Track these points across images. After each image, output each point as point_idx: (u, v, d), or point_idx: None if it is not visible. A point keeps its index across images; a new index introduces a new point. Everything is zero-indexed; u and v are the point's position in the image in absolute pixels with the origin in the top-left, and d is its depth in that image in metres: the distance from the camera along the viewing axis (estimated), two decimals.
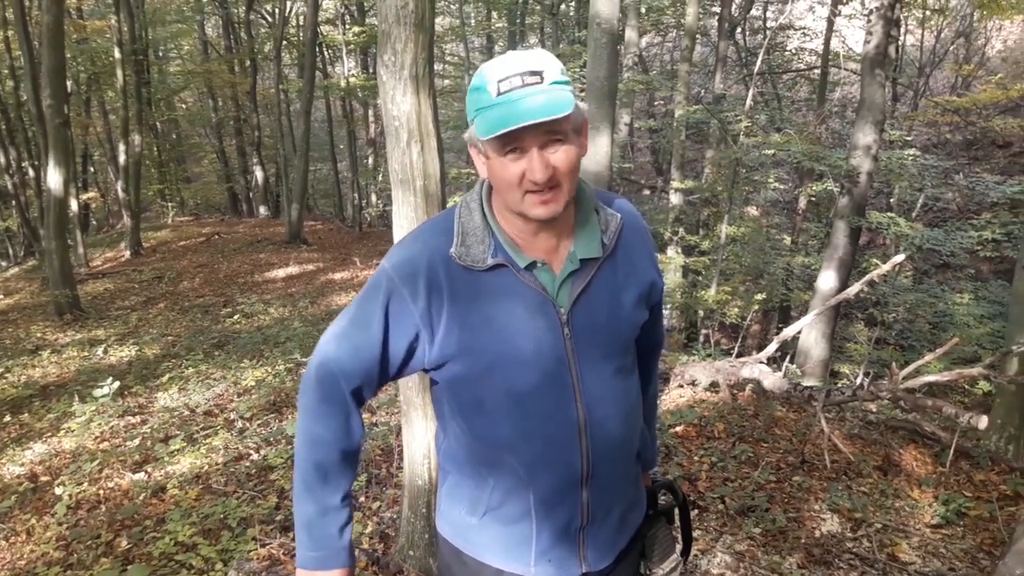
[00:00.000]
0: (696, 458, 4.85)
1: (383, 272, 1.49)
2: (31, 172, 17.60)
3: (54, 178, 10.76)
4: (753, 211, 17.41)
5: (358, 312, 1.51)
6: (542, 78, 1.33)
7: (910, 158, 11.63)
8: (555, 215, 1.40)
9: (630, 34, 13.46)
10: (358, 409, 1.55)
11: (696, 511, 4.12)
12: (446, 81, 23.19)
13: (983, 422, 4.53)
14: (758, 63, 13.67)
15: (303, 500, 1.54)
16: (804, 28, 18.77)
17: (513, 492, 1.53)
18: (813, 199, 14.11)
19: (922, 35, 19.97)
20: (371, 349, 1.49)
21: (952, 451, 4.85)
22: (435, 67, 3.06)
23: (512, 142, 1.34)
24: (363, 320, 1.49)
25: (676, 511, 1.87)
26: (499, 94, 1.33)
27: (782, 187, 15.15)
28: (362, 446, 1.56)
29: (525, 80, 1.32)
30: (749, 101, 13.09)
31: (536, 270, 1.46)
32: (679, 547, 1.86)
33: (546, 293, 1.46)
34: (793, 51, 19.97)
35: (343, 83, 19.83)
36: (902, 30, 14.61)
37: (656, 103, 22.97)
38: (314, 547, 1.54)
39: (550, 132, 1.34)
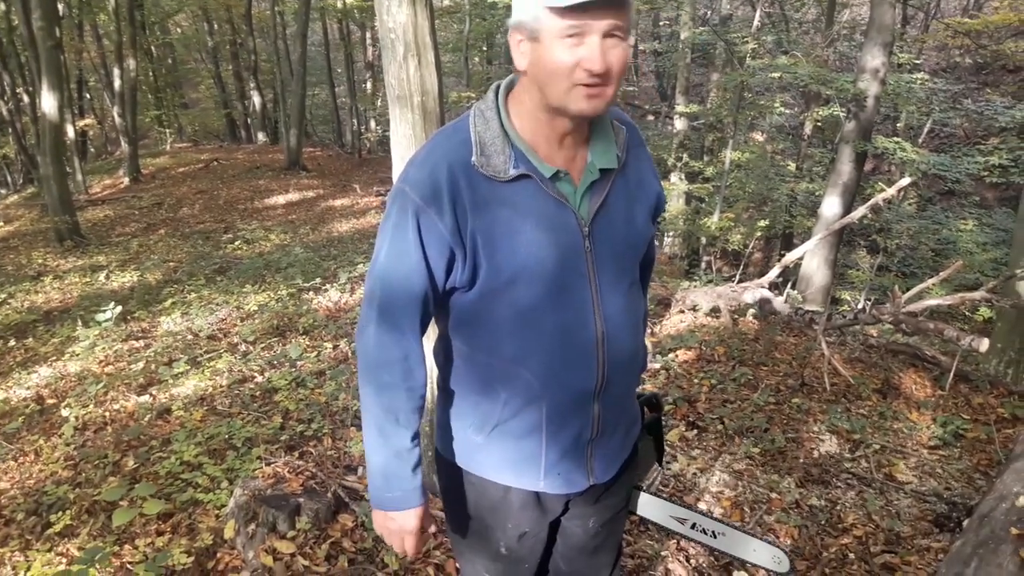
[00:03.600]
0: (696, 381, 4.88)
1: (405, 196, 1.41)
2: (26, 98, 17.35)
3: (48, 102, 10.60)
4: (758, 136, 17.20)
5: (391, 243, 1.44)
6: None
7: (918, 82, 11.43)
8: (597, 112, 1.33)
9: None
10: (420, 343, 1.51)
11: (695, 431, 4.17)
12: (445, 1, 22.63)
13: (984, 345, 4.53)
14: None
15: (376, 445, 1.53)
16: None
17: (526, 405, 1.51)
18: (819, 124, 13.91)
19: None
20: (417, 275, 1.43)
21: (951, 375, 4.88)
22: None
23: (579, 24, 1.25)
24: (399, 249, 1.42)
25: (656, 423, 1.89)
26: None
27: (788, 112, 14.95)
28: (426, 381, 1.53)
29: None
30: (756, 22, 12.82)
31: (559, 181, 1.42)
32: (656, 456, 1.89)
33: (568, 204, 1.42)
34: None
35: (340, 3, 19.38)
36: None
37: (661, 23, 22.48)
38: (389, 488, 1.55)
39: (616, 22, 1.27)
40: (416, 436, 1.54)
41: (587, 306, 1.46)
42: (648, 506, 1.83)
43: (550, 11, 1.25)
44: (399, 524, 1.58)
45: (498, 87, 1.47)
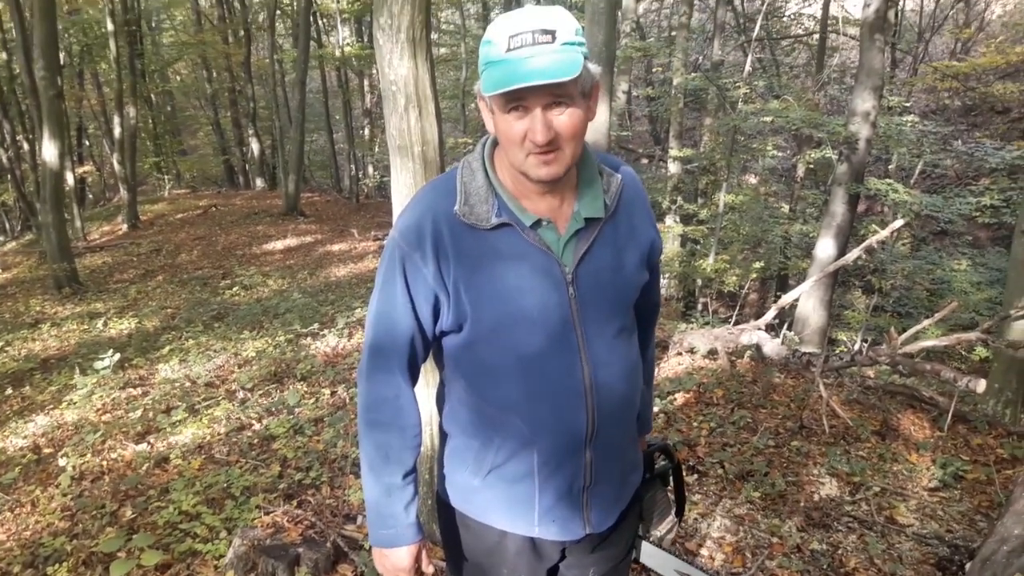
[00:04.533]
0: (695, 424, 4.88)
1: (394, 241, 1.50)
2: (26, 146, 17.48)
3: (49, 151, 10.69)
4: (751, 179, 17.35)
5: (382, 289, 1.52)
6: (554, 37, 1.30)
7: (909, 124, 11.58)
8: (555, 177, 1.39)
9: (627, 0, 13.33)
10: (410, 383, 1.57)
11: (696, 476, 4.16)
12: (442, 49, 22.99)
13: (981, 386, 4.54)
14: (756, 29, 13.57)
15: (369, 481, 1.59)
16: None
17: (517, 452, 1.54)
18: (811, 166, 14.06)
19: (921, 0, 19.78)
20: (404, 320, 1.50)
21: (950, 415, 4.88)
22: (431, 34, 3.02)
23: (516, 101, 1.32)
24: (388, 294, 1.51)
25: (671, 473, 1.89)
26: (508, 50, 1.30)
27: (780, 155, 15.12)
28: (419, 422, 1.59)
29: (537, 38, 1.29)
30: (747, 67, 13.01)
31: (541, 229, 1.46)
32: (674, 508, 1.88)
33: (551, 252, 1.45)
34: (791, 16, 19.79)
35: (338, 52, 19.65)
36: None
37: (654, 70, 22.79)
38: (383, 525, 1.59)
39: (555, 94, 1.32)
40: (409, 475, 1.58)
41: (573, 353, 1.48)
42: (652, 557, 1.82)
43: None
44: (392, 562, 1.62)
45: (485, 141, 1.53)
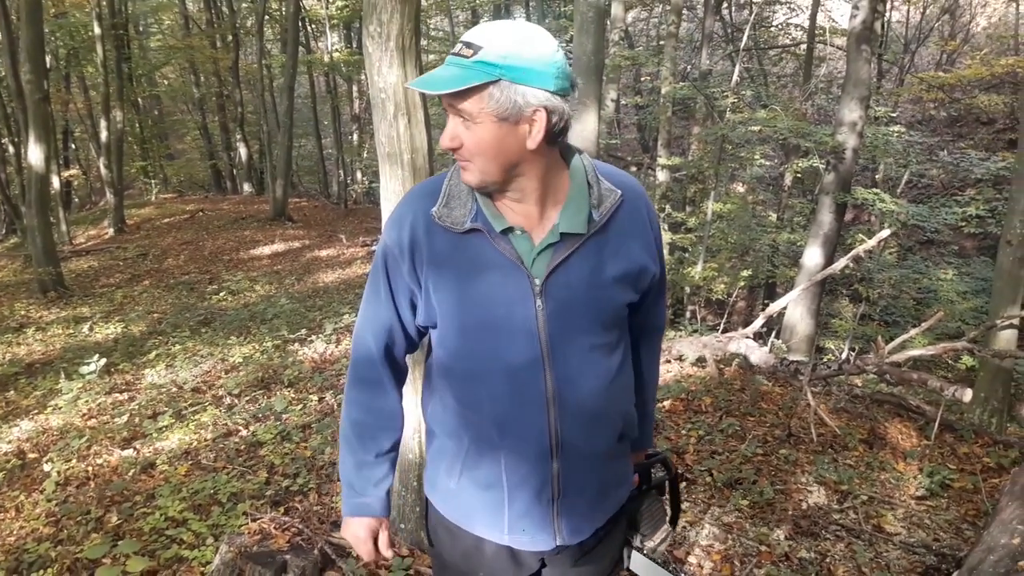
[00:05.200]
0: (684, 432, 4.88)
1: (381, 239, 1.59)
2: (11, 148, 17.36)
3: (35, 154, 10.62)
4: (739, 188, 17.43)
5: (370, 282, 1.61)
6: (475, 52, 1.33)
7: (895, 134, 11.68)
8: (469, 184, 1.45)
9: (616, 9, 13.38)
10: (392, 373, 1.66)
11: (684, 484, 4.16)
12: (431, 56, 22.95)
13: (967, 395, 4.58)
14: (744, 39, 13.66)
15: (343, 454, 1.69)
16: (790, 3, 18.73)
17: (486, 456, 1.55)
18: (799, 175, 14.16)
19: (908, 11, 19.98)
20: (385, 312, 1.59)
21: (937, 424, 4.91)
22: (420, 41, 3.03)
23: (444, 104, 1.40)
24: (374, 288, 1.60)
25: (667, 483, 1.89)
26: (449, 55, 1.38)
27: (768, 164, 15.19)
28: (398, 411, 1.69)
29: (460, 49, 1.35)
30: (735, 77, 13.09)
31: (514, 237, 1.46)
32: (668, 517, 1.87)
33: (520, 262, 1.45)
34: (779, 26, 19.94)
35: (327, 58, 19.64)
36: (888, 5, 14.59)
37: (643, 79, 22.90)
38: (348, 494, 1.68)
39: (453, 107, 1.38)
40: (381, 455, 1.67)
41: (536, 364, 1.48)
42: (643, 568, 1.81)
43: None
44: (352, 530, 1.69)
45: None
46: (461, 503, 1.62)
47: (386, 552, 1.70)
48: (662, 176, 13.94)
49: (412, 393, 2.99)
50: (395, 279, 1.55)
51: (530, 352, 1.47)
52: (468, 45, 1.33)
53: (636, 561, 1.81)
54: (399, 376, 1.68)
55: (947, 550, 3.52)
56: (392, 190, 2.85)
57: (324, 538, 3.43)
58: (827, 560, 3.48)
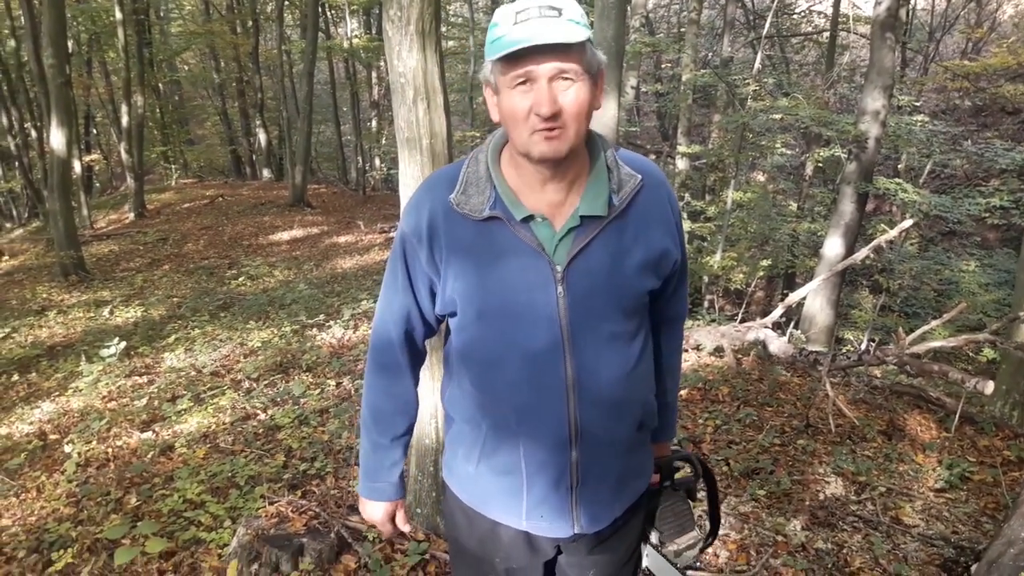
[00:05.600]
0: (700, 421, 4.87)
1: (399, 226, 1.58)
2: (34, 133, 17.49)
3: (57, 139, 10.71)
4: (760, 177, 17.30)
5: (389, 269, 1.62)
6: (560, 13, 1.31)
7: (919, 124, 11.53)
8: (558, 155, 1.36)
9: None
10: (410, 358, 1.68)
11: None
12: (450, 42, 22.93)
13: (989, 387, 4.52)
14: (766, 26, 13.51)
15: (362, 435, 1.74)
16: None
17: (505, 442, 1.55)
18: (820, 165, 14.00)
19: None
20: (403, 299, 1.60)
21: (957, 416, 4.86)
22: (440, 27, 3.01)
23: (523, 71, 1.32)
24: (392, 275, 1.61)
25: (699, 486, 1.84)
26: (515, 23, 1.31)
27: (789, 152, 15.05)
28: (414, 396, 1.72)
29: (543, 12, 1.30)
30: (757, 65, 12.96)
31: (534, 224, 1.45)
32: (698, 526, 1.81)
33: (542, 249, 1.44)
34: (802, 14, 19.72)
35: (346, 44, 19.64)
36: None
37: (663, 66, 22.75)
38: (365, 477, 1.74)
39: (560, 68, 1.32)
40: (396, 439, 1.71)
41: (557, 351, 1.47)
42: (657, 568, 1.78)
43: (498, 63, 1.34)
44: (369, 512, 1.76)
45: (496, 134, 1.55)
46: (479, 488, 1.63)
47: (404, 527, 1.78)
48: (682, 164, 13.85)
49: (429, 378, 2.99)
50: (413, 267, 1.55)
51: (550, 339, 1.46)
52: (551, 8, 1.31)
53: (652, 560, 1.79)
54: (417, 361, 1.70)
55: (966, 543, 3.49)
56: (411, 175, 2.84)
57: (341, 521, 3.45)
58: (844, 551, 3.46)
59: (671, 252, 1.56)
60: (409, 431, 1.72)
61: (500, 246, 1.45)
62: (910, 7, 15.19)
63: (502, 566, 1.67)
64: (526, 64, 1.31)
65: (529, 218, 1.44)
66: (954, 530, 3.71)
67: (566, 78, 1.33)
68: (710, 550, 3.42)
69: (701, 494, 1.93)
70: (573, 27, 1.30)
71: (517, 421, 1.52)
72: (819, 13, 19.07)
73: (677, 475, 1.83)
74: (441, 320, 1.65)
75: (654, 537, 1.77)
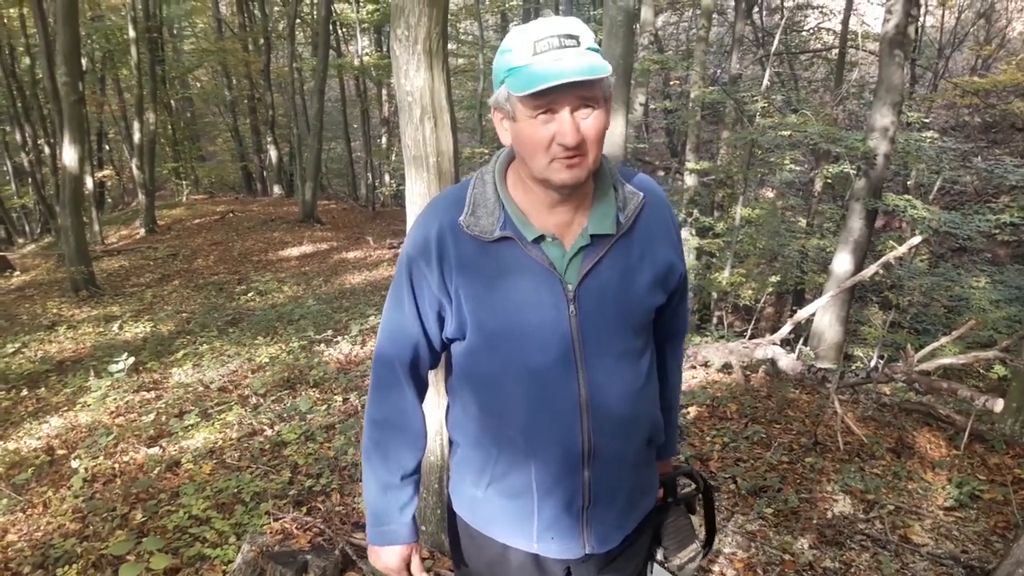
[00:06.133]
0: (708, 438, 4.84)
1: (404, 249, 1.54)
2: (47, 149, 17.67)
3: (69, 155, 10.80)
4: (768, 193, 17.29)
5: (392, 294, 1.56)
6: (579, 42, 1.32)
7: (928, 140, 11.50)
8: (578, 181, 1.38)
9: (646, 12, 13.35)
10: (415, 389, 1.61)
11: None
12: (460, 60, 23.07)
13: (999, 405, 4.49)
14: (775, 43, 13.53)
15: (366, 478, 1.65)
16: (822, 7, 18.57)
17: (515, 464, 1.54)
18: (829, 181, 13.95)
19: (942, 15, 19.72)
20: (410, 327, 1.55)
21: (967, 434, 4.82)
22: (448, 45, 3.04)
23: (545, 102, 1.31)
24: (397, 301, 1.55)
25: (698, 500, 1.85)
26: (536, 53, 1.30)
27: (798, 169, 15.02)
28: (422, 428, 1.65)
29: (563, 42, 1.30)
30: (766, 82, 12.97)
31: (545, 244, 1.45)
32: (699, 537, 1.82)
33: (553, 269, 1.44)
34: (811, 31, 19.76)
35: (357, 62, 19.76)
36: (922, 10, 14.41)
37: (672, 83, 22.79)
38: (376, 523, 1.64)
39: (583, 96, 1.32)
40: (407, 477, 1.62)
41: (570, 371, 1.47)
42: None
43: (517, 94, 1.32)
44: (383, 560, 1.65)
45: (499, 155, 1.54)
46: (487, 511, 1.61)
47: (419, 575, 1.68)
48: (690, 180, 13.85)
49: (434, 393, 2.99)
50: (421, 291, 1.51)
51: (564, 359, 1.46)
52: (569, 36, 1.31)
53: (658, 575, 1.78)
54: (423, 391, 1.64)
55: (976, 562, 3.46)
56: (418, 193, 2.86)
57: (345, 539, 3.45)
58: (852, 570, 3.43)
59: (676, 266, 1.58)
60: (419, 467, 1.65)
61: (511, 266, 1.45)
62: (919, 24, 15.19)
63: None
64: (550, 96, 1.30)
65: (540, 238, 1.45)
66: (964, 549, 3.67)
67: (587, 106, 1.34)
68: (716, 568, 3.40)
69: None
70: (595, 58, 1.31)
71: (528, 443, 1.51)
72: (828, 30, 19.11)
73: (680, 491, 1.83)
74: (446, 346, 1.61)
75: (659, 554, 1.77)
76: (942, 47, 19.08)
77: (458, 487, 1.67)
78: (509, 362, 1.48)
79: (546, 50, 1.30)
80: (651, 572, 1.79)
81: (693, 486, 1.84)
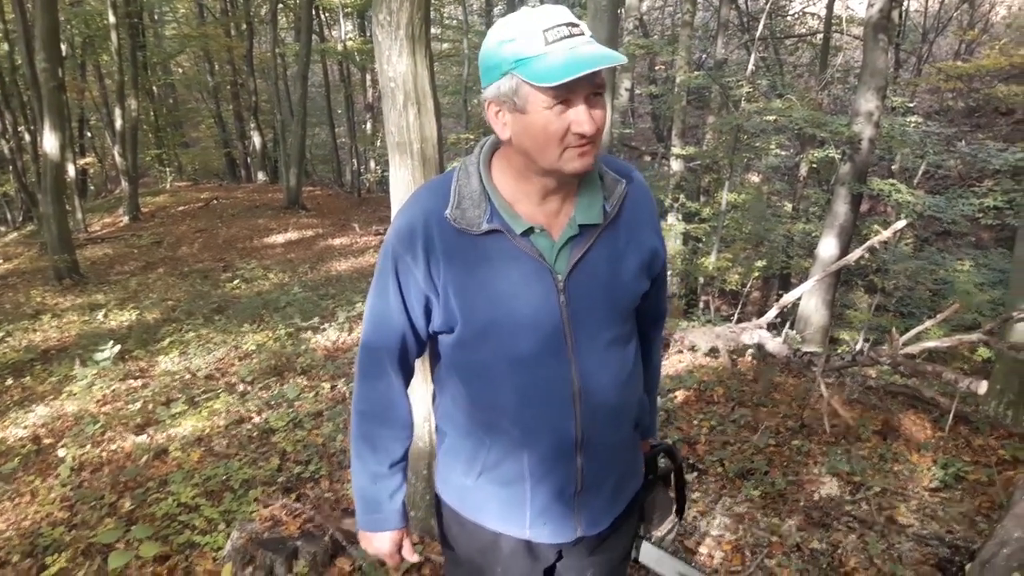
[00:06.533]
0: (695, 422, 4.87)
1: (388, 240, 1.52)
2: (27, 137, 17.47)
3: (50, 142, 10.68)
4: (754, 178, 17.33)
5: (376, 285, 1.55)
6: (583, 31, 1.31)
7: (912, 125, 11.56)
8: (589, 168, 1.37)
9: None
10: (402, 378, 1.61)
11: (695, 474, 4.15)
12: (444, 45, 22.93)
13: (982, 387, 4.53)
14: (760, 28, 13.54)
15: (355, 468, 1.66)
16: None
17: (508, 454, 1.54)
18: (814, 166, 14.04)
19: (926, 0, 19.75)
20: (396, 318, 1.53)
21: (951, 416, 4.87)
22: (433, 30, 3.01)
23: (565, 92, 1.29)
24: (382, 292, 1.53)
25: (672, 473, 1.88)
26: (548, 43, 1.28)
27: (783, 154, 15.07)
28: (409, 417, 1.66)
29: (571, 31, 1.29)
30: (751, 66, 12.98)
31: (533, 236, 1.45)
32: (675, 507, 1.87)
33: (543, 259, 1.44)
34: (795, 15, 19.77)
35: (340, 47, 19.62)
36: None
37: (657, 68, 22.77)
38: (367, 510, 1.66)
39: (597, 85, 1.32)
40: (395, 464, 1.63)
41: (563, 359, 1.48)
42: (652, 558, 1.81)
43: (533, 85, 1.30)
44: (375, 546, 1.69)
45: (483, 145, 1.52)
46: (478, 499, 1.62)
47: (411, 558, 1.73)
48: (676, 166, 13.87)
49: (421, 381, 2.99)
50: (407, 284, 1.50)
51: (556, 349, 1.47)
52: (574, 25, 1.30)
53: (646, 552, 1.81)
54: (408, 380, 1.64)
55: (960, 542, 3.50)
56: (402, 179, 2.84)
57: (335, 525, 3.45)
58: (839, 551, 3.46)
59: (659, 251, 1.59)
60: (407, 455, 1.67)
61: (500, 258, 1.44)
62: (903, 9, 15.24)
63: None
64: (570, 86, 1.28)
65: (529, 230, 1.44)
66: (949, 529, 3.71)
67: (597, 94, 1.33)
68: (704, 550, 3.42)
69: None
70: (606, 47, 1.31)
71: (522, 433, 1.51)
72: (813, 15, 19.13)
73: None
74: (432, 337, 1.60)
75: (641, 529, 1.80)
76: (926, 32, 19.13)
77: (447, 476, 1.67)
78: (500, 354, 1.47)
79: (558, 39, 1.28)
80: (637, 548, 1.82)
81: (670, 461, 1.87)
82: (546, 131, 1.32)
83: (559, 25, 1.29)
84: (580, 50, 1.27)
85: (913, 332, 5.43)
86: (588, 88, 1.30)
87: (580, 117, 1.31)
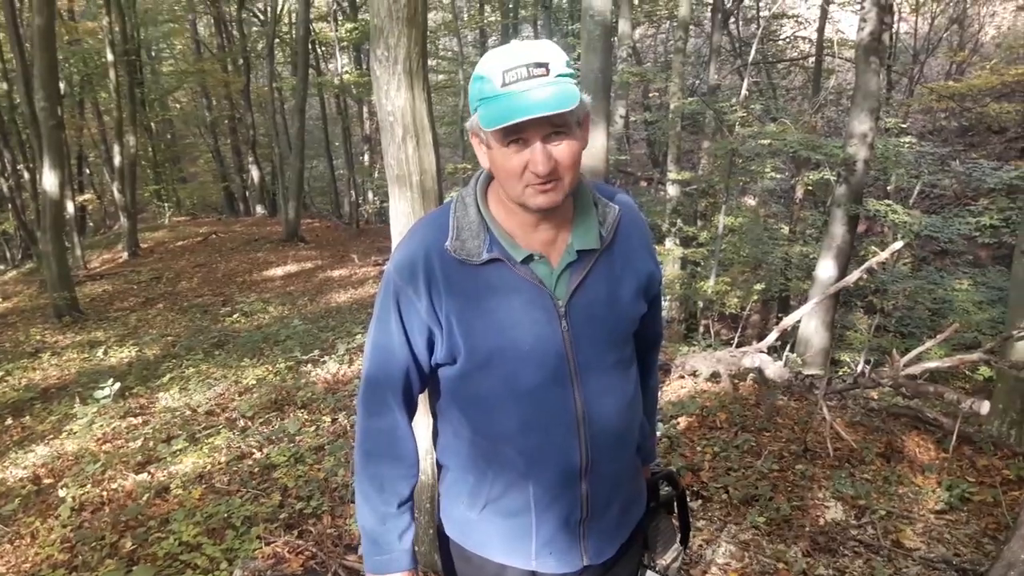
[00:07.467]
0: (699, 448, 4.85)
1: (389, 275, 1.51)
2: (26, 175, 17.54)
3: (49, 180, 10.73)
4: (750, 201, 17.39)
5: (378, 320, 1.54)
6: (548, 70, 1.32)
7: (906, 145, 11.63)
8: (554, 204, 1.39)
9: (623, 26, 13.45)
10: (406, 413, 1.58)
11: (700, 501, 4.12)
12: (440, 76, 23.14)
13: (985, 407, 4.53)
14: (752, 53, 13.67)
15: (362, 509, 1.61)
16: (797, 16, 18.76)
17: (513, 485, 1.53)
18: (810, 188, 14.11)
19: (916, 22, 19.94)
20: (399, 353, 1.52)
21: (955, 437, 4.85)
22: (429, 62, 3.05)
23: (515, 134, 1.32)
24: (384, 327, 1.52)
25: (675, 501, 1.88)
26: (504, 85, 1.31)
27: (779, 176, 15.16)
28: (415, 454, 1.62)
29: (531, 72, 1.31)
30: (744, 91, 13.09)
31: (533, 263, 1.46)
32: (679, 536, 1.86)
33: (543, 286, 1.45)
34: (787, 40, 19.96)
35: (337, 80, 19.79)
36: (896, 17, 14.59)
37: (651, 95, 22.94)
38: (376, 552, 1.60)
39: (554, 125, 1.33)
40: (403, 504, 1.60)
41: (566, 386, 1.48)
42: None
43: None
44: None
45: (479, 176, 1.54)
46: (482, 532, 1.60)
47: None
48: (673, 191, 13.93)
49: (423, 412, 2.98)
50: (410, 319, 1.49)
51: (559, 376, 1.47)
52: (538, 65, 1.31)
53: None
54: (412, 416, 1.62)
55: (968, 565, 3.48)
56: (401, 211, 2.86)
57: (338, 561, 3.42)
58: None
59: (654, 272, 1.61)
60: (413, 493, 1.63)
61: (502, 287, 1.45)
62: (893, 31, 15.37)
63: None
64: (519, 128, 1.31)
65: (528, 258, 1.46)
66: (956, 552, 3.69)
67: (559, 134, 1.34)
68: None
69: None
70: (565, 86, 1.31)
71: (526, 463, 1.51)
72: (804, 39, 19.30)
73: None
74: (434, 371, 1.58)
75: (646, 558, 1.79)
76: (917, 53, 19.30)
77: (450, 511, 1.65)
78: (504, 383, 1.47)
79: (514, 81, 1.31)
80: None
81: (671, 488, 1.86)
82: (505, 168, 1.37)
83: (519, 66, 1.31)
84: (529, 94, 1.29)
85: (914, 353, 5.42)
86: (546, 127, 1.32)
87: (533, 157, 1.33)
